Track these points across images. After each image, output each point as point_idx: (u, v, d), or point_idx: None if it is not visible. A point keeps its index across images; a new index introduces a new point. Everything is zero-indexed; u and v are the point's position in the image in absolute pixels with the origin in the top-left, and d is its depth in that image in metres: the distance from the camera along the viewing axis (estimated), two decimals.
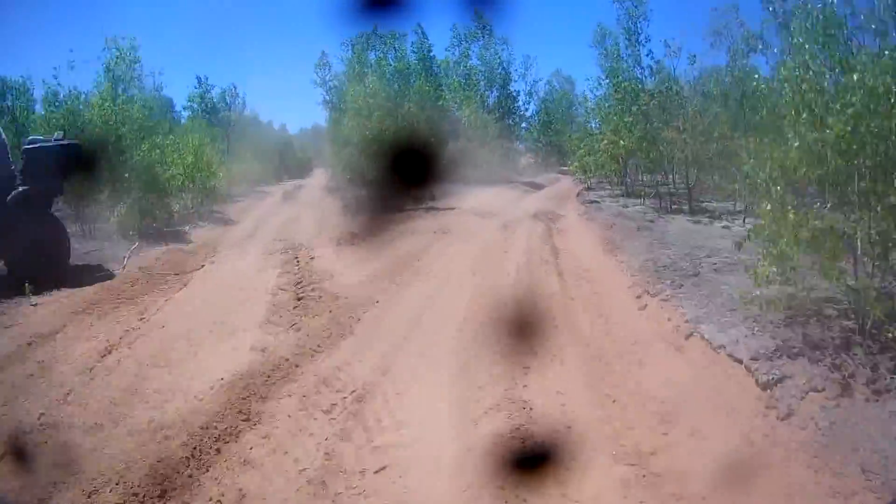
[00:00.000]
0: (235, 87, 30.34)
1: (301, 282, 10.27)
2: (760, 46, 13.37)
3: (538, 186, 24.66)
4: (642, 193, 18.33)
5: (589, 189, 20.99)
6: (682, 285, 9.09)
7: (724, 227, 14.62)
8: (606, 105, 18.21)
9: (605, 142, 16.43)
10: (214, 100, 29.52)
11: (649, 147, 14.84)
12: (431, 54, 27.60)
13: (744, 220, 14.75)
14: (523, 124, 28.88)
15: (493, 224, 14.68)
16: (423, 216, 15.81)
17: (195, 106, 28.86)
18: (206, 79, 29.00)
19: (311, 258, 12.00)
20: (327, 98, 28.31)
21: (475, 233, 13.61)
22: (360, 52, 26.57)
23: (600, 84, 19.49)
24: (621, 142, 15.03)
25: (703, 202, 16.76)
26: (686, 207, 16.34)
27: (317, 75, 28.90)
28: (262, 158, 30.71)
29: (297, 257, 12.29)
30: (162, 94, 25.03)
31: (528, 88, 28.22)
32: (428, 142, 25.45)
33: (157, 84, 23.66)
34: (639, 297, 8.94)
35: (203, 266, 13.38)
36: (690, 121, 14.06)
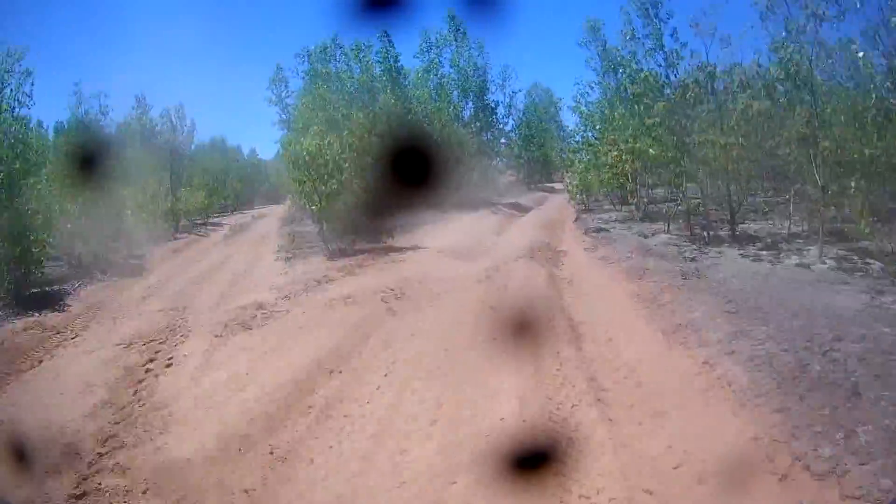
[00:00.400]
0: (182, 107, 24.61)
1: (111, 438, 4.99)
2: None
3: (524, 209, 19.54)
4: (661, 216, 13.25)
5: (587, 211, 15.88)
6: (867, 444, 3.98)
7: (797, 264, 9.60)
8: (611, 108, 13.20)
9: (616, 152, 11.37)
10: (153, 122, 23.68)
11: (681, 156, 9.78)
12: (399, 64, 22.49)
13: (820, 253, 9.75)
14: (502, 139, 23.49)
15: (471, 273, 9.50)
16: (375, 264, 10.64)
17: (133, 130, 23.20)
18: (145, 98, 23.11)
19: (168, 365, 6.76)
20: (283, 117, 22.74)
21: (444, 293, 8.44)
22: (317, 64, 21.45)
23: (592, 87, 14.69)
24: (651, 150, 9.94)
25: (738, 223, 11.69)
26: (725, 233, 11.30)
27: (272, 92, 23.37)
28: (225, 186, 25.66)
29: (151, 360, 7.04)
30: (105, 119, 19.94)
31: (507, 101, 23.02)
32: (387, 162, 20.38)
33: (102, 107, 18.98)
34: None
35: (38, 363, 8.16)
36: (748, 119, 9.07)
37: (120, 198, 16.02)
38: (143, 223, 17.51)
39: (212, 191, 23.62)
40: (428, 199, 17.99)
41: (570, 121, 18.67)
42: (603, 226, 13.08)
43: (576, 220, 14.77)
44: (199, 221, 21.46)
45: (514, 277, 9.02)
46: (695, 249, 10.46)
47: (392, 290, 8.49)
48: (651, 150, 9.89)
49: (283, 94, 22.67)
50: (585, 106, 14.77)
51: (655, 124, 9.94)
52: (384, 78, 22.47)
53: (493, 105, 21.44)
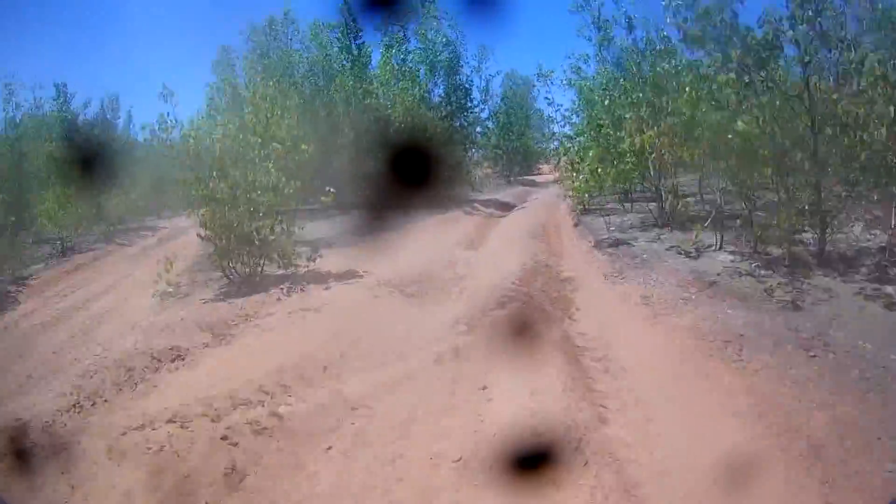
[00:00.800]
0: (117, 99, 19.19)
1: None
2: None
3: (505, 207, 15.12)
4: (691, 219, 8.93)
5: (587, 211, 11.48)
6: None
7: None
8: (625, 75, 8.96)
9: (651, 133, 7.00)
10: (76, 114, 18.27)
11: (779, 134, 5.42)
12: (360, 40, 17.77)
13: None
14: (478, 128, 18.56)
15: (425, 338, 5.04)
16: (274, 313, 6.16)
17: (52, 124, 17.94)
18: (65, 86, 17.67)
19: None
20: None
21: (365, 406, 3.96)
22: (263, 43, 16.67)
23: (587, 60, 10.58)
24: (739, 124, 5.44)
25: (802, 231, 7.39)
26: (802, 250, 7.01)
27: (217, 77, 17.88)
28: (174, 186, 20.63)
29: None
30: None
31: (484, 84, 18.21)
32: (329, 153, 15.85)
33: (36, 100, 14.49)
34: None
35: None
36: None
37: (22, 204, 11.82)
38: (52, 232, 13.02)
39: (149, 190, 18.57)
40: (382, 200, 13.57)
41: (562, 99, 14.04)
42: (620, 235, 8.71)
43: (576, 224, 10.42)
44: (133, 226, 16.63)
45: (502, 349, 4.60)
46: (782, 282, 6.14)
47: (264, 394, 4.03)
48: (740, 124, 5.45)
49: (230, 80, 17.46)
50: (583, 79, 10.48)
51: (730, 82, 5.56)
52: (342, 57, 17.82)
53: (466, 85, 16.84)
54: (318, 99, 16.63)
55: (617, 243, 8.34)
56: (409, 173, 13.82)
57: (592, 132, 9.00)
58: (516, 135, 23.91)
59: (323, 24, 17.70)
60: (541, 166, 27.81)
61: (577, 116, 11.19)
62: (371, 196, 15.21)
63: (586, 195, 8.63)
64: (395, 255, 8.79)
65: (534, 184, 23.03)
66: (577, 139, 10.92)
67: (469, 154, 17.47)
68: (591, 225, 10.00)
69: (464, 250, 9.05)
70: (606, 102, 9.45)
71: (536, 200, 15.74)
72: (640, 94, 8.44)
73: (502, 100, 23.29)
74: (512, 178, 23.42)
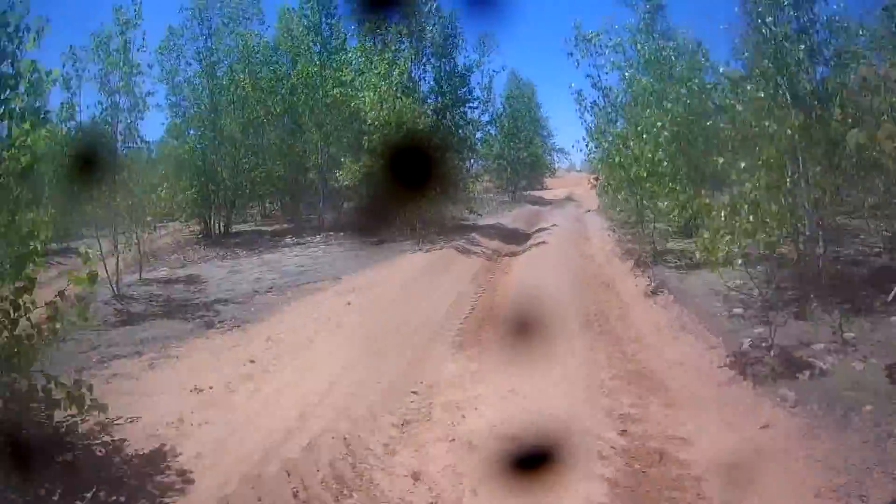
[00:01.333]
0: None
1: None
2: None
3: (515, 239, 10.30)
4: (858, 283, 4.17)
5: (660, 258, 6.60)
6: None
7: None
8: None
9: None
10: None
11: None
12: (333, 18, 12.95)
13: None
14: (478, 133, 13.46)
15: None
16: None
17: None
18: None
19: None
20: (173, 99, 11.97)
21: None
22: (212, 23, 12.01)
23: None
24: None
25: None
26: None
27: (160, 66, 12.44)
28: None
29: None
30: None
31: (486, 82, 13.28)
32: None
33: None
34: None
35: None
36: None
37: None
38: None
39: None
40: (352, 224, 8.85)
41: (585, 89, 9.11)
42: (786, 342, 3.83)
43: (654, 290, 5.53)
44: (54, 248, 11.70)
45: None
46: None
47: None
48: None
49: (174, 68, 12.21)
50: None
51: None
52: (308, 38, 13.05)
53: (464, 73, 11.95)
54: (274, 94, 11.89)
55: (791, 367, 3.49)
56: (387, 189, 8.99)
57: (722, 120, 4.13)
58: (524, 143, 19.13)
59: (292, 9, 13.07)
60: (546, 179, 23.07)
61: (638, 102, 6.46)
62: (335, 219, 10.35)
63: (738, 260, 3.51)
64: (307, 372, 3.96)
65: (543, 201, 18.20)
66: (636, 144, 6.14)
67: (467, 164, 12.63)
68: (685, 295, 5.17)
69: (451, 359, 4.22)
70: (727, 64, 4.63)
71: (555, 229, 10.89)
72: None
73: (507, 100, 18.55)
74: (517, 194, 18.60)
